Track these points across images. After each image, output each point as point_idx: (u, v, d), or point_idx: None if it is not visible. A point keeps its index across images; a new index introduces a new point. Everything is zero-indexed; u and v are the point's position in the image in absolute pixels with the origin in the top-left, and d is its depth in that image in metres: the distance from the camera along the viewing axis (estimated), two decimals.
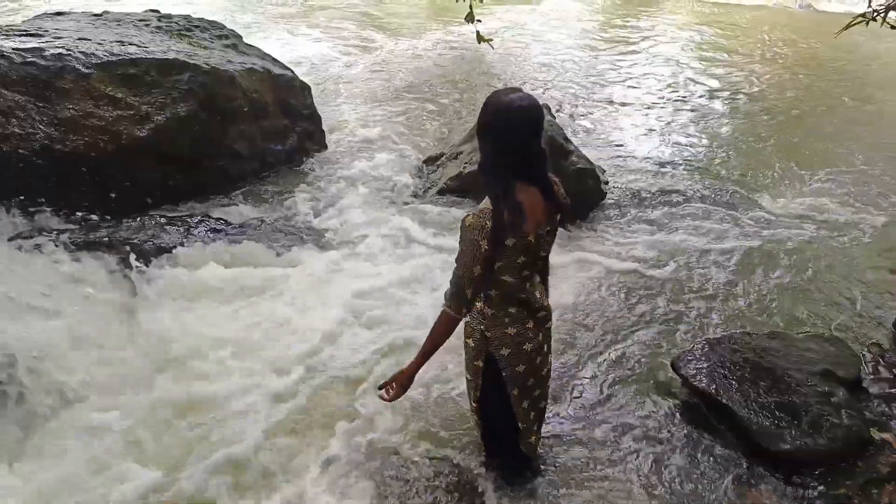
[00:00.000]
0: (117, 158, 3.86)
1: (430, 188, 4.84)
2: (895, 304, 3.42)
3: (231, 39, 5.07)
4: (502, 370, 1.99)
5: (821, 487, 2.33)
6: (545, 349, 2.07)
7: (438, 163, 5.08)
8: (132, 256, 3.43)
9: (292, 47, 8.09)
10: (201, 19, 5.16)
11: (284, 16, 9.92)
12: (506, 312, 1.93)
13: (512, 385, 2.01)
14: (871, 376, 2.89)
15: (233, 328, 3.15)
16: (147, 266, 3.43)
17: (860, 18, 3.09)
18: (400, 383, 1.99)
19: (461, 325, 1.98)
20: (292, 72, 5.13)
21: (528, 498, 2.32)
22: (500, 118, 1.75)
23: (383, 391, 2.02)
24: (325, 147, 5.30)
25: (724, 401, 2.64)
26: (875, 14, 3.05)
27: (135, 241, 3.61)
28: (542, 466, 2.42)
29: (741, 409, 2.59)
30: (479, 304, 1.95)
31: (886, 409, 2.71)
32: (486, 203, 1.78)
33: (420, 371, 1.99)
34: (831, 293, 3.60)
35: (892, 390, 2.79)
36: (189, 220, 3.90)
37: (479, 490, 2.35)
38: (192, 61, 4.32)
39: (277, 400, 2.77)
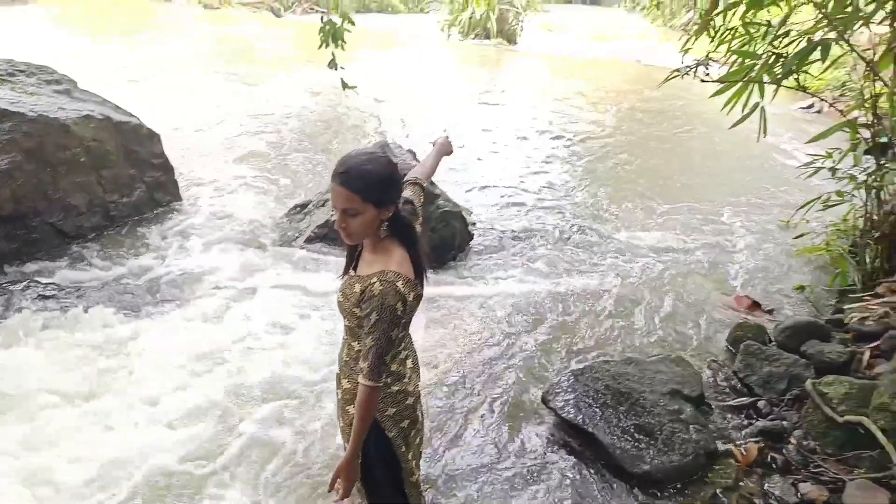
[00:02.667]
0: None
1: (297, 237, 4.68)
2: (729, 322, 3.82)
3: (64, 85, 4.63)
4: (387, 431, 1.90)
5: (680, 502, 2.48)
6: (420, 397, 2.04)
7: (305, 210, 4.95)
8: None
9: (147, 97, 7.60)
10: (28, 63, 4.66)
11: (136, 64, 9.31)
12: (389, 372, 1.87)
13: (400, 442, 1.94)
14: (712, 391, 3.18)
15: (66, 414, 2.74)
16: None
17: (676, 73, 3.52)
18: (346, 476, 1.82)
19: (341, 392, 1.91)
20: (138, 118, 4.77)
21: None
22: (389, 174, 1.76)
23: (333, 492, 1.86)
24: (179, 198, 4.95)
25: (590, 429, 2.76)
26: (687, 69, 3.50)
27: None
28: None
29: (605, 436, 2.71)
30: None
31: (726, 421, 2.99)
32: (384, 265, 1.75)
33: None
34: (676, 316, 3.95)
35: (730, 402, 3.09)
36: (11, 287, 3.42)
37: None
38: (14, 109, 3.87)
39: None
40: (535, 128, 8.13)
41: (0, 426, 2.60)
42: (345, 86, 5.41)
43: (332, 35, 5.17)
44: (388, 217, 1.77)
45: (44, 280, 3.56)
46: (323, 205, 4.84)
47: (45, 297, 3.39)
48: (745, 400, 3.07)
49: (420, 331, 3.55)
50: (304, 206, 5.00)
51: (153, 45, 10.80)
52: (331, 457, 2.63)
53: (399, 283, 1.71)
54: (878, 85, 3.36)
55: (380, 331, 1.71)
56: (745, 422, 2.96)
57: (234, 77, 9.17)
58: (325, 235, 4.53)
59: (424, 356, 3.33)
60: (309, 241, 4.57)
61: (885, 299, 3.21)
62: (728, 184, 6.34)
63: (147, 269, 3.96)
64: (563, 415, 2.87)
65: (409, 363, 1.95)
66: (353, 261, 1.90)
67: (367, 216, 1.71)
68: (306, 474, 2.57)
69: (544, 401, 2.99)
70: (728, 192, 6.07)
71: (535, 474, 2.64)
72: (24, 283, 3.47)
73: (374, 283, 1.72)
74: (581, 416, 2.83)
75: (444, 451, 2.76)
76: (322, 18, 5.15)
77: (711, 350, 3.59)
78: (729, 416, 3.01)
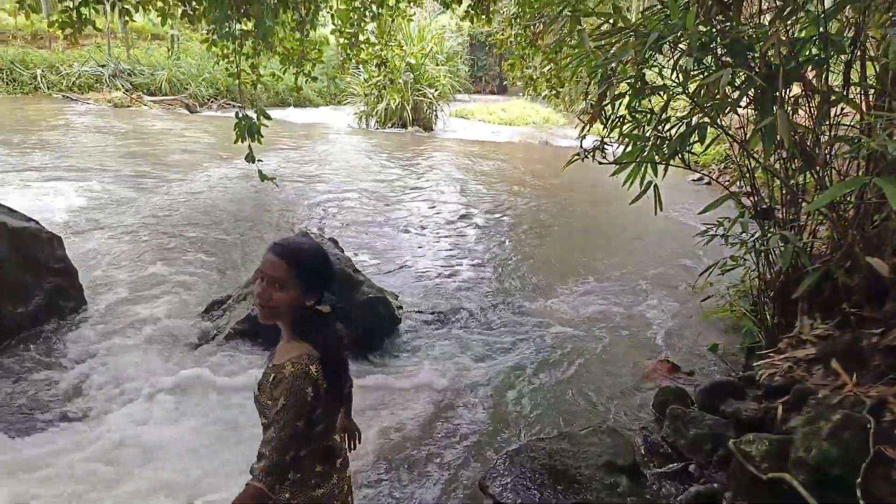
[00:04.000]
0: None
1: (216, 334, 4.47)
2: (653, 388, 3.94)
3: None
4: None
5: None
6: (350, 498, 1.93)
7: (224, 306, 4.76)
8: None
9: (49, 197, 7.26)
10: None
11: (42, 166, 8.93)
12: (312, 472, 1.75)
13: None
14: (645, 459, 3.22)
15: None
16: None
17: (576, 156, 3.79)
18: None
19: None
20: (36, 222, 4.51)
21: None
22: (323, 259, 1.76)
23: None
24: (84, 303, 4.64)
25: None
26: (586, 153, 3.78)
27: None
28: None
29: None
30: (295, 471, 1.73)
31: (662, 488, 3.01)
32: (297, 349, 1.68)
33: None
34: (603, 386, 4.03)
35: (661, 470, 3.12)
36: None
37: None
38: None
39: None
40: (453, 208, 8.40)
41: None
42: (263, 177, 5.43)
43: (247, 129, 5.23)
44: (309, 307, 1.73)
45: None
46: (243, 299, 4.69)
47: None
48: (676, 466, 3.12)
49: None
50: (222, 301, 4.81)
51: (56, 145, 10.43)
52: None
53: (312, 367, 1.64)
54: (752, 160, 3.76)
55: (285, 419, 1.59)
56: (680, 487, 2.99)
57: (146, 174, 8.97)
58: (245, 331, 4.35)
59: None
60: (228, 337, 4.37)
61: (787, 354, 3.43)
62: (638, 253, 6.74)
63: (44, 383, 3.63)
64: (503, 500, 2.79)
65: (337, 462, 1.85)
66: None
67: (292, 294, 1.67)
68: None
69: (481, 487, 2.90)
70: (639, 261, 6.44)
71: None
72: None
73: (286, 365, 1.64)
74: (520, 501, 2.76)
75: None
76: (237, 114, 5.23)
77: (640, 417, 3.67)
78: (664, 483, 3.03)
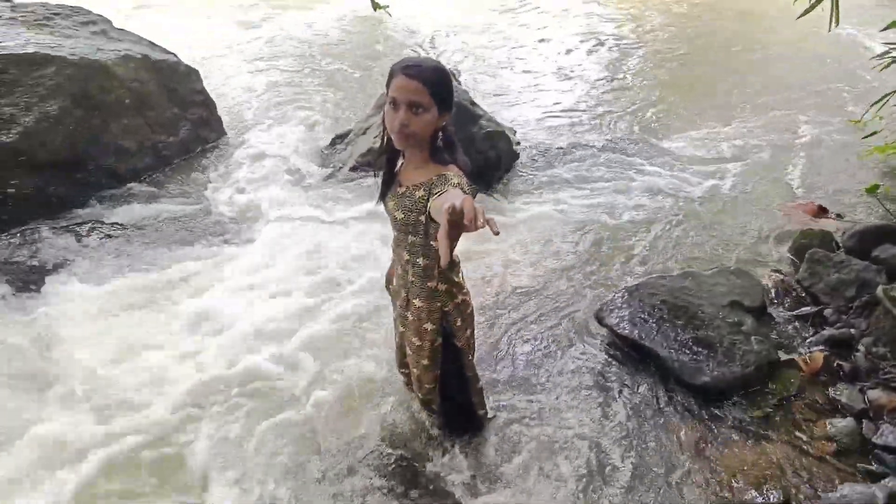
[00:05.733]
0: None
1: (340, 167, 4.67)
2: (792, 230, 3.65)
3: (99, 25, 4.61)
4: (456, 340, 1.98)
5: (739, 412, 2.47)
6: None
7: (347, 140, 4.91)
8: (19, 277, 3.11)
9: (175, 30, 7.52)
10: (61, 5, 4.64)
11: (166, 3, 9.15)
12: (454, 283, 1.92)
13: (466, 350, 2.04)
14: (774, 302, 3.09)
15: (148, 338, 2.90)
16: (37, 287, 3.11)
17: None
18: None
19: (412, 312, 1.92)
20: (175, 55, 4.74)
21: (477, 443, 2.34)
22: (450, 77, 1.73)
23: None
24: (224, 133, 4.98)
25: (647, 344, 2.75)
26: None
27: (18, 259, 3.27)
28: (487, 415, 2.43)
29: (663, 350, 2.70)
30: (443, 283, 1.88)
31: (789, 331, 2.91)
32: (434, 170, 1.68)
33: None
34: (735, 227, 3.80)
35: (793, 312, 3.00)
36: (78, 228, 3.58)
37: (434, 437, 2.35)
38: (56, 53, 3.89)
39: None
40: (577, 38, 7.68)
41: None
42: (376, 6, 5.21)
43: None
44: (441, 128, 1.71)
45: (107, 221, 3.70)
46: (364, 133, 4.78)
47: (111, 237, 3.53)
48: (809, 309, 2.98)
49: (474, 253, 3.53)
50: (344, 136, 4.95)
51: None
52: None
53: (465, 182, 1.64)
54: None
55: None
56: (811, 331, 2.88)
57: (263, 3, 8.94)
58: (368, 164, 4.50)
59: (475, 276, 3.34)
60: (353, 170, 4.55)
61: None
62: (792, 82, 5.89)
63: (202, 205, 4.05)
64: (619, 331, 2.85)
65: (462, 276, 1.99)
66: (389, 185, 1.85)
67: (431, 116, 1.65)
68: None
69: (598, 318, 2.97)
70: (792, 91, 5.65)
71: (591, 388, 2.66)
72: (90, 225, 3.62)
73: (448, 175, 1.64)
74: (637, 332, 2.81)
75: (497, 367, 2.80)
76: None
77: (773, 260, 3.46)
78: (792, 326, 2.93)
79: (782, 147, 4.72)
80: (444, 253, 1.18)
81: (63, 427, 2.37)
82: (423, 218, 1.72)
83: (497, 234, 1.16)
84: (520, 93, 6.08)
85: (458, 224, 1.17)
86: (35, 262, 3.30)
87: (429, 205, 1.63)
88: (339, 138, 4.97)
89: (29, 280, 3.16)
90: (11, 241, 3.42)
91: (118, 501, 2.16)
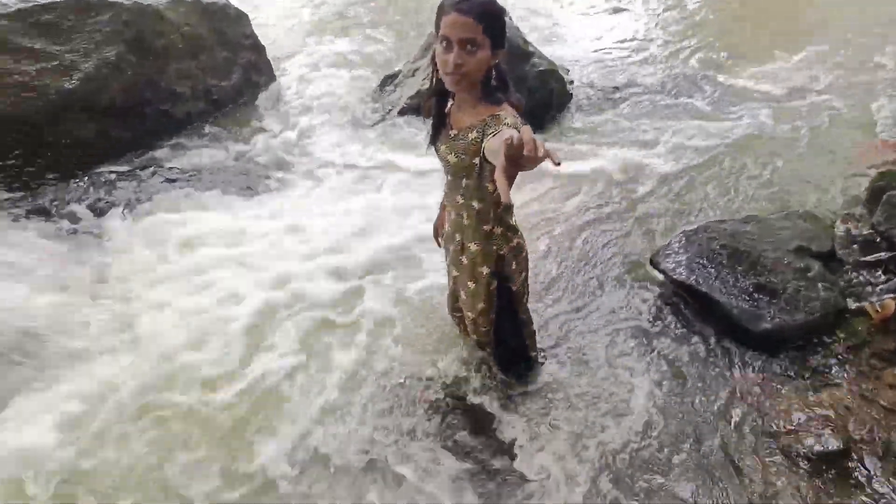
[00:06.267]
0: (49, 116, 3.58)
1: (389, 109, 4.63)
2: (868, 174, 3.41)
3: None
4: (512, 284, 1.97)
5: (801, 360, 2.39)
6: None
7: (396, 82, 4.84)
8: (88, 216, 3.26)
9: None
10: None
11: None
12: (509, 226, 1.90)
13: (522, 291, 2.03)
14: (844, 247, 2.92)
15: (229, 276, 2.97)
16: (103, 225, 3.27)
17: None
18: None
19: (467, 257, 1.91)
20: None
21: (530, 386, 2.36)
22: (502, 13, 1.61)
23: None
24: (274, 78, 4.99)
25: (704, 289, 2.66)
26: None
27: (87, 201, 3.42)
28: (539, 358, 2.44)
29: (721, 296, 2.61)
30: (498, 226, 1.86)
31: (860, 277, 2.76)
32: (488, 110, 1.63)
33: None
34: (804, 168, 3.58)
35: (865, 258, 2.83)
36: (140, 172, 3.70)
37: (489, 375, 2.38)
38: None
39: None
40: None
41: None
42: None
43: None
44: (493, 66, 1.63)
45: (167, 165, 3.81)
46: (413, 75, 4.70)
47: (171, 181, 3.64)
48: (884, 255, 2.80)
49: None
50: (393, 76, 4.88)
51: None
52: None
53: (519, 121, 1.58)
54: None
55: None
56: (883, 278, 2.72)
57: None
58: (418, 106, 4.43)
59: (528, 220, 3.29)
60: (402, 113, 4.50)
61: None
62: (876, 12, 5.37)
63: (257, 149, 4.10)
64: (675, 276, 2.77)
65: (515, 220, 1.95)
66: (439, 128, 1.80)
67: (484, 54, 1.57)
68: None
69: (653, 263, 2.89)
70: (875, 23, 5.16)
71: (646, 333, 2.62)
72: (151, 170, 3.73)
73: (501, 115, 1.60)
74: (694, 277, 2.72)
75: (551, 312, 2.78)
76: None
77: (846, 203, 3.25)
78: (864, 272, 2.77)
79: (865, 82, 4.35)
80: (504, 191, 1.13)
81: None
82: (477, 160, 1.67)
83: (558, 164, 1.10)
84: (572, 29, 5.80)
85: (517, 158, 1.11)
86: (102, 205, 3.44)
87: (483, 146, 1.59)
88: (389, 79, 4.90)
89: (97, 222, 3.31)
90: (80, 183, 3.57)
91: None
